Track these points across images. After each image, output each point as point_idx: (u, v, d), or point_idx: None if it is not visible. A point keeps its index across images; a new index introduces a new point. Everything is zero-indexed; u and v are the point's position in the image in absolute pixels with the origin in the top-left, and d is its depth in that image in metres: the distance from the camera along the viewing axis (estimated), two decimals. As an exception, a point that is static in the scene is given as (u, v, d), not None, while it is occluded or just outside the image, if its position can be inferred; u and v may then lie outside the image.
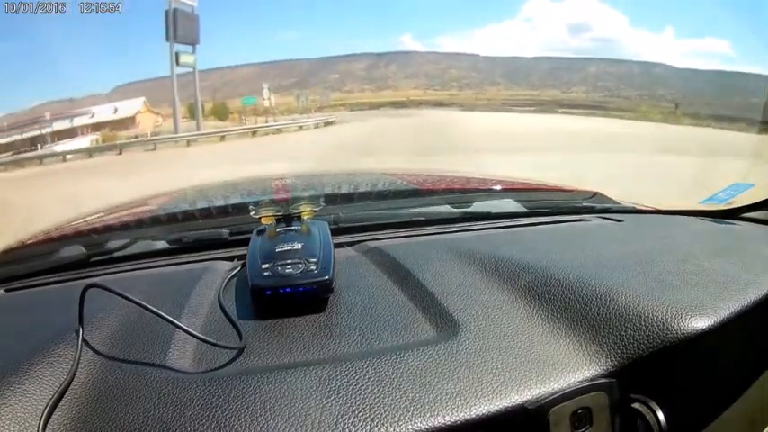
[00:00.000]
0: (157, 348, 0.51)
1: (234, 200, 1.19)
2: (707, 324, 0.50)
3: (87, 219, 1.12)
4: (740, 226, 0.84)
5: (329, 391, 0.44)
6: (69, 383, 0.47)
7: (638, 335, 0.49)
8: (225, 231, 0.83)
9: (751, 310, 0.54)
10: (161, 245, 0.86)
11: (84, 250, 0.86)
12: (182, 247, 0.83)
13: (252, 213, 0.74)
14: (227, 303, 0.59)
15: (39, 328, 0.56)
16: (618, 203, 1.05)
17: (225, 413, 0.43)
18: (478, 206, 1.03)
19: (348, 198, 1.09)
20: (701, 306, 0.52)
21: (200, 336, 0.51)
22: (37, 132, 24.12)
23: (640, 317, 0.51)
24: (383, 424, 0.41)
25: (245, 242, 0.71)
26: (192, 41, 20.81)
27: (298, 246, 0.62)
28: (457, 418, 0.42)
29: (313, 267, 0.59)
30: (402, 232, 0.84)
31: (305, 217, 0.73)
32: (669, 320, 0.50)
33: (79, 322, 0.52)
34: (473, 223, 0.88)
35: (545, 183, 1.33)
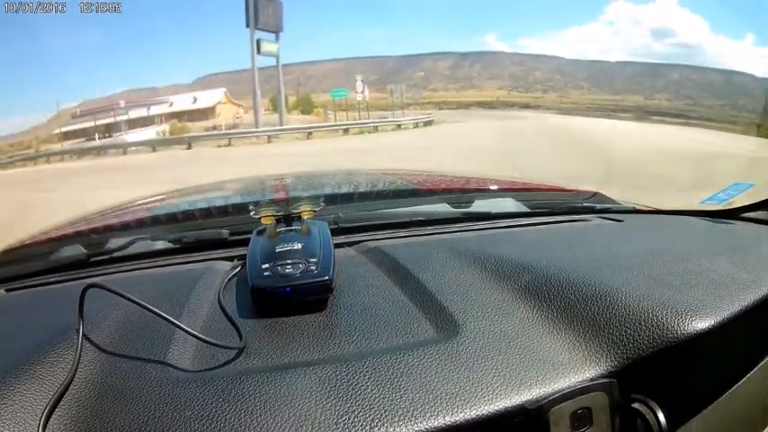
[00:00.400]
0: (157, 348, 0.51)
1: (234, 200, 1.19)
2: (707, 324, 0.50)
3: (87, 219, 1.12)
4: (740, 226, 0.84)
5: (329, 392, 0.44)
6: (69, 383, 0.47)
7: (639, 335, 0.49)
8: (225, 231, 0.83)
9: (751, 311, 0.54)
10: (161, 245, 0.86)
11: (85, 250, 0.86)
12: (182, 247, 0.83)
13: (252, 213, 0.74)
14: (227, 303, 0.59)
15: (39, 328, 0.56)
16: (618, 203, 1.05)
17: (225, 413, 0.43)
18: (478, 206, 1.03)
19: (348, 198, 1.09)
20: (701, 306, 0.52)
21: (200, 336, 0.51)
22: (111, 120, 23.83)
23: (640, 317, 0.51)
24: (383, 424, 0.41)
25: (245, 242, 0.71)
26: (275, 29, 19.05)
27: (298, 246, 0.62)
28: (457, 419, 0.42)
29: (313, 267, 0.59)
30: (402, 232, 0.84)
31: (305, 217, 0.73)
32: (669, 320, 0.50)
33: (79, 322, 0.52)
34: (473, 223, 0.88)
35: (545, 183, 1.33)
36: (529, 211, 1.00)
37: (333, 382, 0.45)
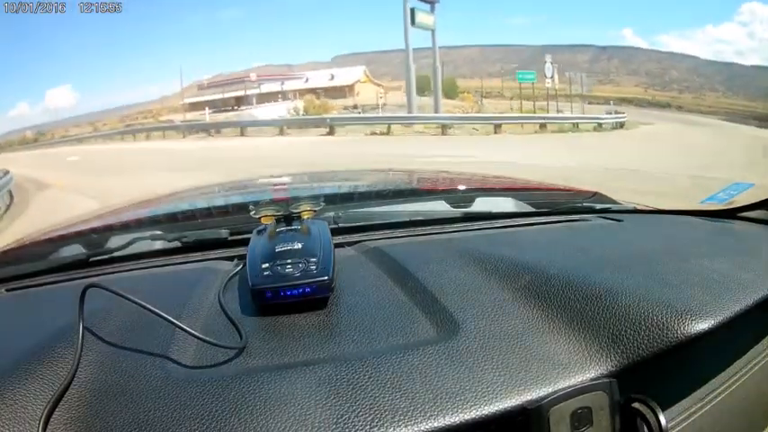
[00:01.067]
0: (158, 348, 0.51)
1: (234, 200, 1.19)
2: (707, 324, 0.50)
3: (87, 219, 1.12)
4: (740, 225, 0.84)
5: (329, 391, 0.44)
6: (69, 383, 0.47)
7: (639, 335, 0.49)
8: (225, 231, 0.83)
9: (752, 310, 0.54)
10: (161, 245, 0.86)
11: (85, 250, 0.86)
12: (182, 248, 0.83)
13: (252, 213, 0.74)
14: (227, 303, 0.59)
15: (39, 329, 0.56)
16: (618, 203, 1.05)
17: (225, 413, 0.43)
18: (479, 206, 1.03)
19: (348, 198, 1.09)
20: (701, 306, 0.52)
21: (200, 336, 0.51)
22: (241, 93, 22.64)
23: (641, 317, 0.51)
24: (383, 424, 0.41)
25: (245, 242, 0.71)
26: (431, -3, 15.33)
27: (298, 246, 0.62)
28: (457, 418, 0.42)
29: (313, 267, 0.59)
30: (402, 232, 0.84)
31: (305, 217, 0.73)
32: (669, 320, 0.50)
33: (79, 322, 0.52)
34: (473, 223, 0.88)
35: (545, 182, 1.33)
36: (529, 210, 1.00)
37: (333, 381, 0.45)
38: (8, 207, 6.93)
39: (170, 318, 0.52)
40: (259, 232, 0.70)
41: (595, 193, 1.09)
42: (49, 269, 0.80)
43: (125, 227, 1.00)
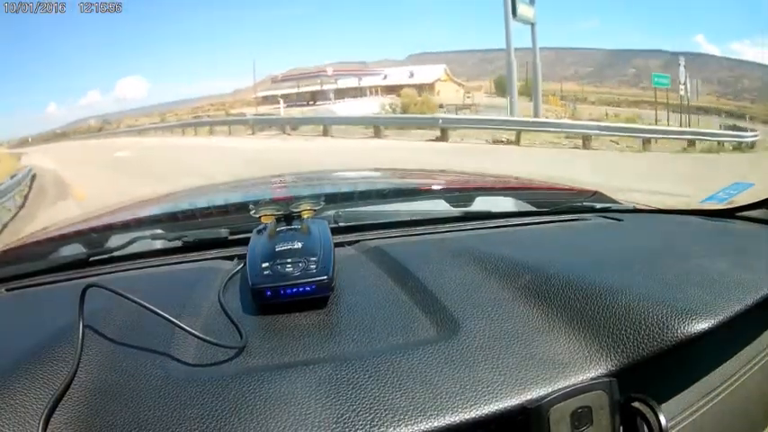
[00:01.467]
0: (158, 348, 0.51)
1: (234, 199, 1.19)
2: (707, 324, 0.50)
3: (87, 218, 1.12)
4: (740, 225, 0.84)
5: (329, 391, 0.44)
6: (70, 383, 0.47)
7: (639, 334, 0.49)
8: (225, 231, 0.83)
9: (752, 310, 0.54)
10: (161, 244, 0.86)
11: (85, 250, 0.86)
12: (182, 247, 0.83)
13: (252, 213, 0.74)
14: (227, 303, 0.59)
15: (39, 328, 0.56)
16: (618, 203, 1.05)
17: (225, 413, 0.43)
18: (479, 205, 1.03)
19: (348, 197, 1.09)
20: (701, 306, 0.52)
21: (200, 335, 0.51)
22: (316, 88, 21.53)
23: (640, 316, 0.51)
24: (383, 423, 0.41)
25: (245, 241, 0.71)
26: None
27: (298, 245, 0.62)
28: (457, 418, 0.42)
29: (313, 266, 0.59)
30: (402, 231, 0.84)
31: (305, 216, 0.73)
32: (669, 320, 0.50)
33: (79, 322, 0.52)
34: (473, 222, 0.88)
35: (545, 182, 1.33)
36: (529, 210, 1.00)
37: (333, 381, 0.45)
38: (15, 214, 6.60)
39: (170, 317, 0.52)
40: (259, 232, 0.70)
41: (595, 193, 1.09)
42: (49, 269, 0.80)
43: (125, 226, 1.00)
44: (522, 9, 13.32)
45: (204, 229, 0.86)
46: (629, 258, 0.67)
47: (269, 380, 0.46)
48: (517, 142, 9.81)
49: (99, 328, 0.54)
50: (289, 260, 0.59)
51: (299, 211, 0.73)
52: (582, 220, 0.91)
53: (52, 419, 0.44)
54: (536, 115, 12.97)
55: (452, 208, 1.01)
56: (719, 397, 0.53)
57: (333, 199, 0.98)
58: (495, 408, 0.43)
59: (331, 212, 0.88)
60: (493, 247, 0.70)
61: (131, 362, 0.50)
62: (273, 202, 0.84)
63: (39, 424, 0.42)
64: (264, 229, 0.70)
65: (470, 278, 0.62)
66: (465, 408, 0.43)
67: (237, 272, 0.68)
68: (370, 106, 17.31)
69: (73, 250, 0.88)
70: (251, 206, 0.76)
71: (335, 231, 0.74)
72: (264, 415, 0.42)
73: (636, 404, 0.47)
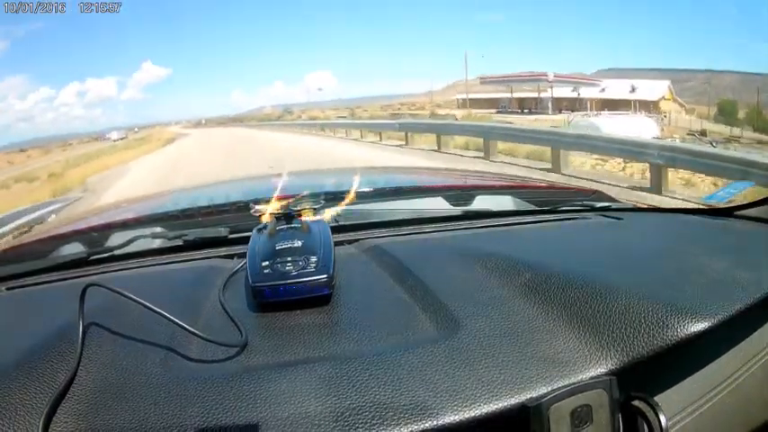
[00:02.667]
0: (158, 347, 0.51)
1: (234, 198, 1.18)
2: (707, 323, 0.50)
3: (87, 217, 1.12)
4: (740, 224, 0.84)
5: (329, 390, 0.44)
6: (70, 382, 0.47)
7: (639, 333, 0.49)
8: (225, 230, 0.83)
9: (751, 309, 0.54)
10: (161, 243, 0.86)
11: (85, 249, 0.86)
12: (182, 246, 0.83)
13: (252, 212, 0.74)
14: (227, 301, 0.59)
15: (40, 327, 0.56)
16: (618, 202, 1.05)
17: (226, 411, 0.43)
18: (479, 204, 1.03)
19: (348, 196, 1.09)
20: (701, 305, 0.52)
21: (200, 334, 0.51)
22: (528, 94, 19.62)
23: (640, 315, 0.51)
24: (383, 422, 0.41)
25: (245, 240, 0.71)
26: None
27: (298, 243, 0.62)
28: (457, 417, 0.42)
29: (313, 265, 0.59)
30: (402, 230, 0.84)
31: (305, 215, 0.73)
32: (669, 319, 0.50)
33: (80, 321, 0.52)
34: (473, 221, 0.88)
35: (545, 181, 1.33)
36: (529, 209, 1.00)
37: (333, 380, 0.45)
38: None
39: (170, 316, 0.52)
40: (259, 230, 0.70)
41: (595, 192, 1.09)
42: (49, 267, 0.80)
43: (125, 225, 1.00)
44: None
45: (204, 227, 0.86)
46: (629, 257, 0.67)
47: (269, 378, 0.46)
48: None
49: (99, 327, 0.54)
50: (289, 259, 0.59)
51: (300, 210, 0.73)
52: (582, 219, 0.91)
53: (53, 418, 0.44)
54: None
55: (452, 207, 1.01)
56: (719, 396, 0.53)
57: (333, 198, 0.98)
58: (495, 406, 0.43)
59: (331, 211, 0.88)
60: (493, 246, 0.70)
61: (132, 360, 0.50)
62: (274, 200, 0.84)
63: (39, 422, 0.42)
64: (265, 227, 0.70)
65: (470, 277, 0.62)
66: (465, 406, 0.43)
67: (238, 271, 0.68)
68: (643, 126, 11.17)
69: (73, 249, 0.89)
70: (251, 205, 0.76)
71: (336, 230, 0.74)
72: (265, 413, 0.42)
73: (636, 403, 0.47)
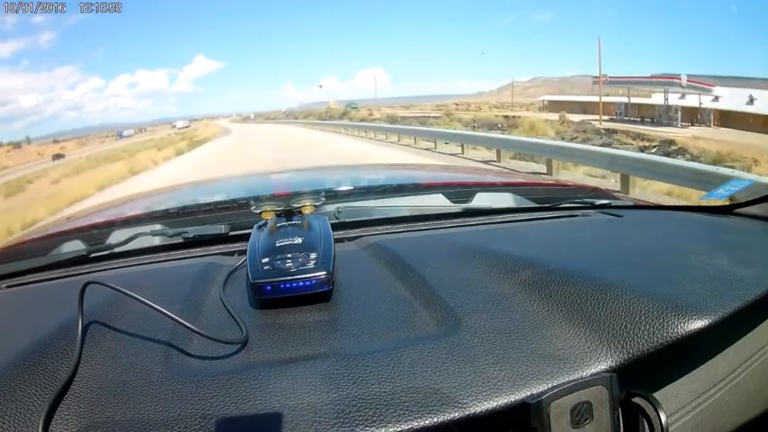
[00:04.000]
0: (159, 344, 0.51)
1: (234, 195, 1.18)
2: (707, 320, 0.50)
3: (87, 214, 1.12)
4: (740, 221, 0.84)
5: (330, 386, 0.44)
6: (70, 379, 0.47)
7: (639, 330, 0.49)
8: (225, 227, 0.83)
9: (751, 306, 0.54)
10: (161, 241, 0.86)
11: (85, 246, 0.86)
12: (182, 243, 0.83)
13: (252, 208, 0.74)
14: (228, 298, 0.59)
15: (40, 325, 0.56)
16: (618, 199, 1.05)
17: (227, 408, 0.43)
18: (479, 201, 1.03)
19: (349, 193, 1.09)
20: (701, 302, 0.52)
21: (201, 331, 0.51)
22: (651, 101, 16.18)
23: (641, 312, 0.51)
24: (384, 418, 0.41)
25: (245, 237, 0.71)
26: None
27: (298, 240, 0.62)
28: (457, 413, 0.42)
29: (313, 262, 0.59)
30: (402, 227, 0.84)
31: (305, 212, 0.73)
32: (669, 316, 0.50)
33: (80, 319, 0.52)
34: (474, 218, 0.88)
35: (545, 178, 1.33)
36: (529, 206, 1.00)
37: (334, 376, 0.45)
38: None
39: (171, 314, 0.52)
40: (260, 227, 0.70)
41: (595, 189, 1.09)
42: (49, 265, 0.80)
43: (125, 223, 1.00)
44: None
45: (205, 225, 0.86)
46: (629, 254, 0.67)
47: (270, 375, 0.46)
48: None
49: (99, 325, 0.54)
50: (289, 255, 0.59)
51: (300, 207, 0.73)
52: (582, 216, 0.91)
53: (54, 415, 0.44)
54: None
55: (453, 204, 1.01)
56: (719, 393, 0.54)
57: (333, 195, 0.98)
58: (496, 403, 0.43)
59: (332, 208, 0.88)
60: (493, 243, 0.70)
61: (132, 358, 0.50)
62: (274, 197, 0.84)
63: (40, 419, 0.42)
64: (265, 224, 0.70)
65: (471, 274, 0.62)
66: (465, 403, 0.43)
67: (238, 268, 0.68)
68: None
69: (73, 247, 0.88)
70: (252, 202, 0.76)
71: (336, 227, 0.74)
72: (265, 410, 0.42)
73: (636, 400, 0.47)
